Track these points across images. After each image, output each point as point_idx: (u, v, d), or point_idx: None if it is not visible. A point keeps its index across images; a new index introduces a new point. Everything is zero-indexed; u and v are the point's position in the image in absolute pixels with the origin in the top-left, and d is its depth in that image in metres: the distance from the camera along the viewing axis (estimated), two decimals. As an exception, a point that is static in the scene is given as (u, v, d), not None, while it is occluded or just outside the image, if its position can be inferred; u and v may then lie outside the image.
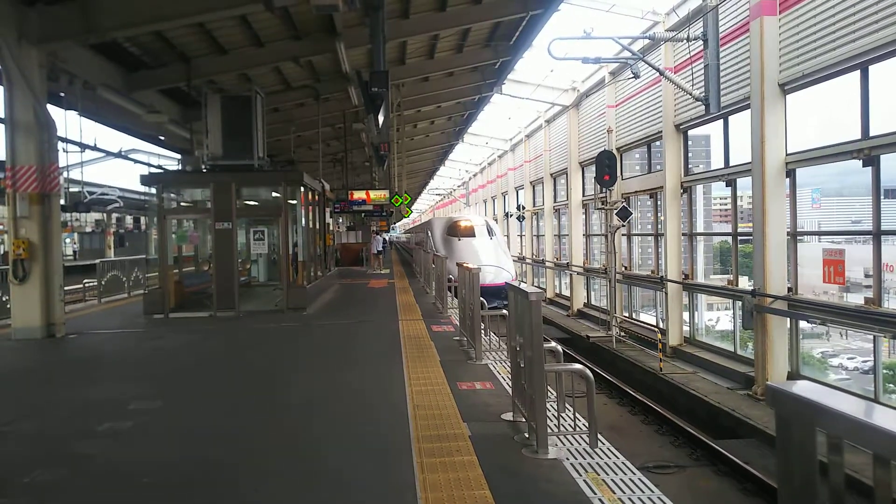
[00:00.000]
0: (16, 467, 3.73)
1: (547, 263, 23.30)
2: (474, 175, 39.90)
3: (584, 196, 19.14)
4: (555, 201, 22.46)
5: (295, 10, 10.20)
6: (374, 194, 19.07)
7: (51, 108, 8.67)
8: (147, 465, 3.75)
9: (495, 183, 33.01)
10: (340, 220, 28.90)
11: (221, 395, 5.50)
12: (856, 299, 8.41)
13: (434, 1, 11.53)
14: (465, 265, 7.22)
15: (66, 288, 8.98)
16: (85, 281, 14.41)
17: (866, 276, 8.33)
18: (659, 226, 14.31)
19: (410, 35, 12.50)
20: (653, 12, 13.44)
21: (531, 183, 25.48)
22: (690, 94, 11.21)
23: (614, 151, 15.25)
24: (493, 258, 18.27)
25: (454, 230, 19.99)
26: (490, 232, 20.27)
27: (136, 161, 16.43)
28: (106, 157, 14.76)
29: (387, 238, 36.74)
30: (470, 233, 19.76)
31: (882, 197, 7.90)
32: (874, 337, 8.01)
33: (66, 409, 4.97)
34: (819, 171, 9.57)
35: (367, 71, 9.70)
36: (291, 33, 11.31)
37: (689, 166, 13.20)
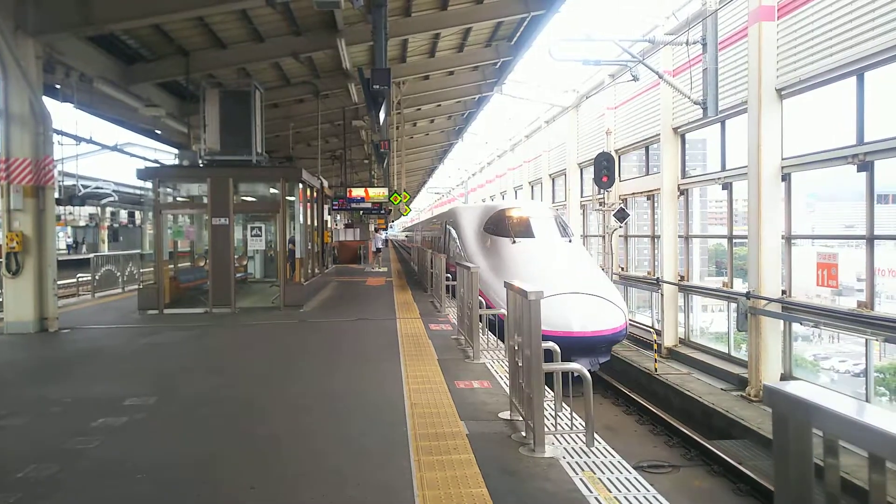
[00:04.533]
0: (9, 463, 3.71)
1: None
2: (473, 174, 39.89)
3: (582, 197, 19.18)
4: (553, 202, 22.50)
5: (296, 6, 10.19)
6: (372, 192, 18.89)
7: (46, 101, 8.63)
8: (140, 462, 3.73)
9: (494, 182, 33.04)
10: (338, 218, 28.83)
11: (215, 391, 5.49)
12: (848, 303, 8.48)
13: (436, 0, 11.55)
14: (466, 264, 7.11)
15: (59, 282, 8.93)
16: (78, 275, 14.33)
17: (858, 279, 8.40)
18: (655, 227, 14.37)
19: (412, 33, 12.50)
20: (653, 16, 13.50)
21: (530, 183, 25.53)
22: (689, 98, 11.26)
23: (613, 153, 15.29)
24: (579, 279, 9.96)
25: (501, 225, 11.76)
26: (563, 229, 12.01)
27: (132, 155, 16.33)
28: (101, 150, 14.70)
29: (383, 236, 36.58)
30: (526, 230, 11.54)
31: (875, 202, 7.98)
32: (866, 340, 8.08)
33: (59, 405, 4.94)
34: (813, 176, 9.64)
35: (368, 68, 9.70)
36: (292, 29, 11.29)
37: (686, 169, 13.27)
